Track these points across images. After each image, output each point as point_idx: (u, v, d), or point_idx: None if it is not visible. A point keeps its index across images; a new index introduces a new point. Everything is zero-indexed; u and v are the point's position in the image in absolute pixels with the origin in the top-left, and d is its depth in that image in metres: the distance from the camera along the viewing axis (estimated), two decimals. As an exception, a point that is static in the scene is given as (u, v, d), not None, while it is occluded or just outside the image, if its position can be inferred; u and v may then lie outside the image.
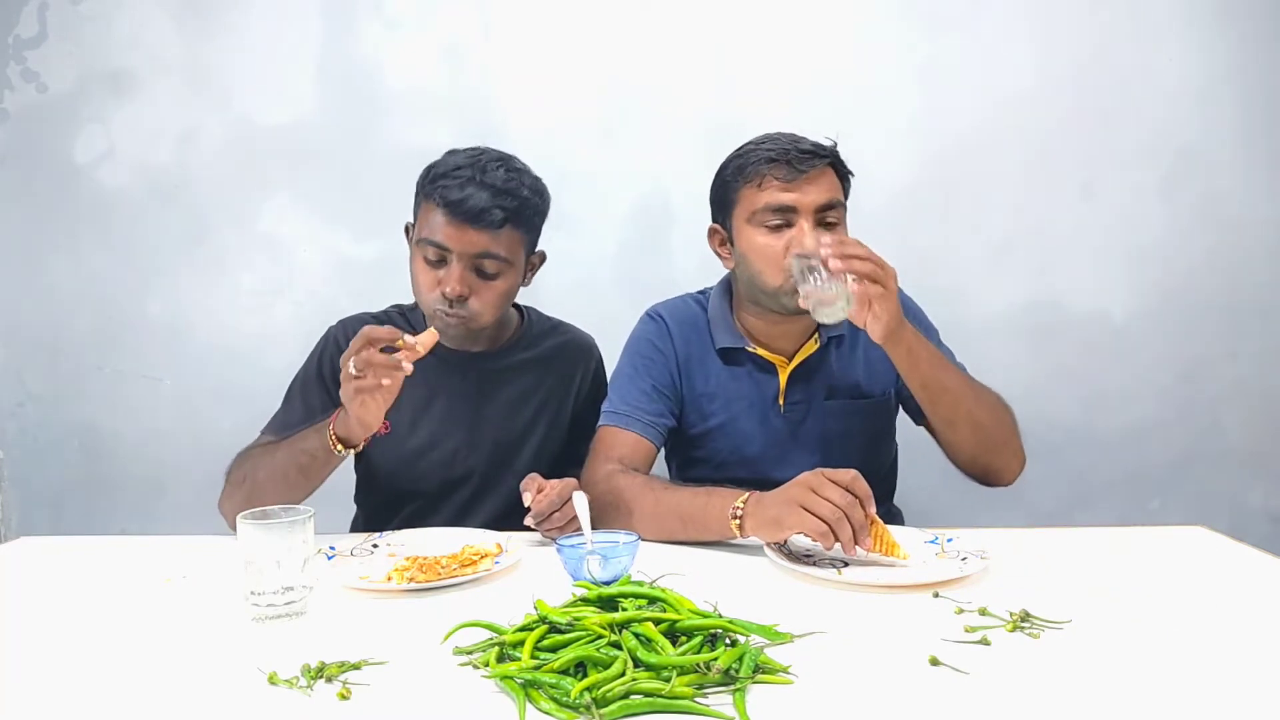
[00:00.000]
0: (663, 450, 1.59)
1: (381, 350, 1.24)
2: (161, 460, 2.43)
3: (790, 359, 1.52)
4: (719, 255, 1.55)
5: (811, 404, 1.53)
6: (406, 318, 1.65)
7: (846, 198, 1.47)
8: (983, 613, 1.00)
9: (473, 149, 1.50)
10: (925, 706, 0.79)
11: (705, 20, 2.38)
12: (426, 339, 1.29)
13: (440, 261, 1.44)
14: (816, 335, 1.52)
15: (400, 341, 1.25)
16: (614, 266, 2.42)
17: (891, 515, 1.57)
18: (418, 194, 1.51)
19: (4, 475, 2.09)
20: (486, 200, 1.41)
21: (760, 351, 1.52)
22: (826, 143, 1.44)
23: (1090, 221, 2.40)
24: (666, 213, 2.41)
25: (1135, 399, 2.44)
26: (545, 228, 2.43)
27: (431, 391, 1.57)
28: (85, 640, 0.99)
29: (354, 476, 1.69)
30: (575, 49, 2.39)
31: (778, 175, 1.40)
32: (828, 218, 1.42)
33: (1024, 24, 2.37)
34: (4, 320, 2.49)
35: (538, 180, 1.54)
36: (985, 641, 0.92)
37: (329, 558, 1.26)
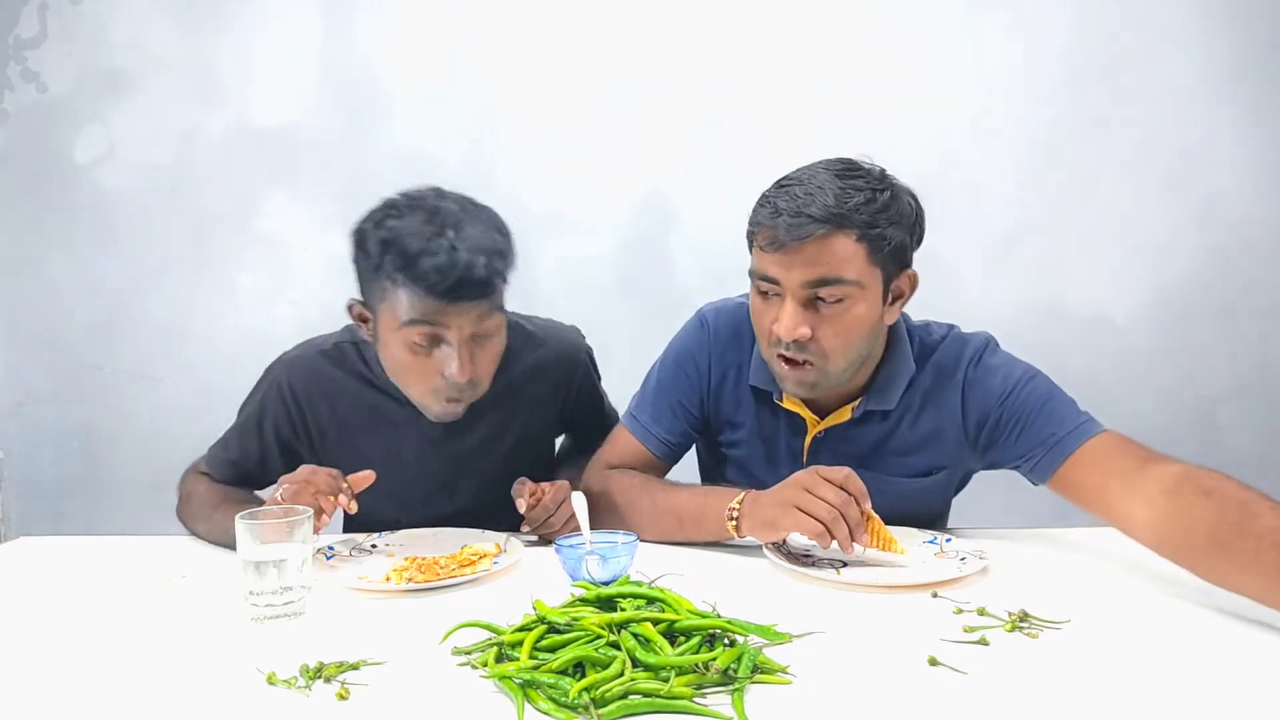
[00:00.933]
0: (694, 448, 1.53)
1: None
2: (161, 460, 2.41)
3: (822, 418, 1.35)
4: None
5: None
6: (360, 351, 1.46)
7: (887, 258, 1.22)
8: (981, 613, 1.00)
9: (414, 202, 1.28)
10: (924, 706, 0.78)
11: (706, 21, 2.38)
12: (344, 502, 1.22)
13: (433, 344, 1.26)
14: (855, 405, 1.33)
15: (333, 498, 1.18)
16: (614, 267, 2.42)
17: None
18: (374, 270, 1.26)
19: (4, 475, 2.09)
20: (481, 270, 1.23)
21: (789, 404, 1.35)
22: (851, 197, 1.18)
23: (1090, 221, 2.40)
24: (666, 213, 2.41)
25: (1135, 399, 2.44)
26: (544, 228, 2.45)
27: (399, 435, 1.45)
28: (85, 640, 0.99)
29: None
30: (575, 49, 2.39)
31: (764, 241, 1.21)
32: (819, 295, 1.19)
33: (1024, 24, 2.37)
34: (4, 320, 2.50)
35: (495, 214, 1.32)
36: (984, 641, 0.92)
37: (328, 558, 1.26)
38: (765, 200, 1.23)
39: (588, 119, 2.40)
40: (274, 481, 1.41)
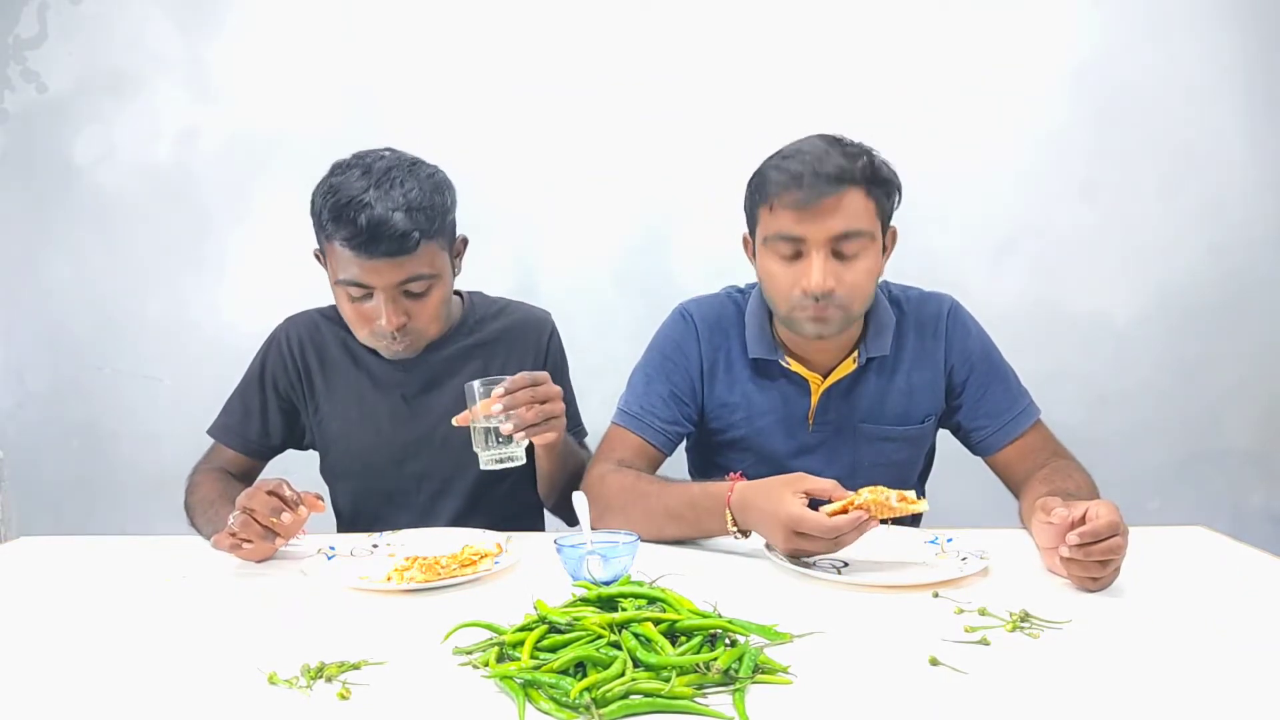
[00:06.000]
0: (683, 443, 1.55)
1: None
2: (161, 460, 2.43)
3: (825, 376, 1.44)
4: (751, 263, 1.45)
5: (843, 426, 1.46)
6: None
7: (886, 213, 1.35)
8: (982, 613, 1.00)
9: (359, 161, 1.38)
10: (925, 706, 0.78)
11: (707, 20, 2.38)
12: (305, 512, 1.24)
13: (365, 296, 1.37)
14: (855, 354, 1.43)
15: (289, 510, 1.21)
16: (614, 266, 2.42)
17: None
18: (316, 228, 1.39)
19: (4, 475, 2.09)
20: (396, 227, 1.30)
21: (794, 366, 1.44)
22: (857, 159, 1.30)
23: (1090, 221, 2.40)
24: (667, 213, 2.41)
25: (1135, 399, 2.44)
26: (546, 228, 2.45)
27: (376, 389, 1.54)
28: (85, 640, 0.99)
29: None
30: (576, 50, 2.39)
31: (788, 202, 1.29)
32: (844, 248, 1.30)
33: (1024, 24, 2.37)
34: (4, 320, 2.49)
35: (435, 173, 1.41)
36: (985, 641, 0.92)
37: (329, 558, 1.26)
38: (774, 168, 1.33)
39: (588, 119, 2.40)
40: (274, 447, 1.59)
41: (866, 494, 1.12)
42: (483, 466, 1.29)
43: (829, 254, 1.30)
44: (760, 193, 1.35)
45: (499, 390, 1.26)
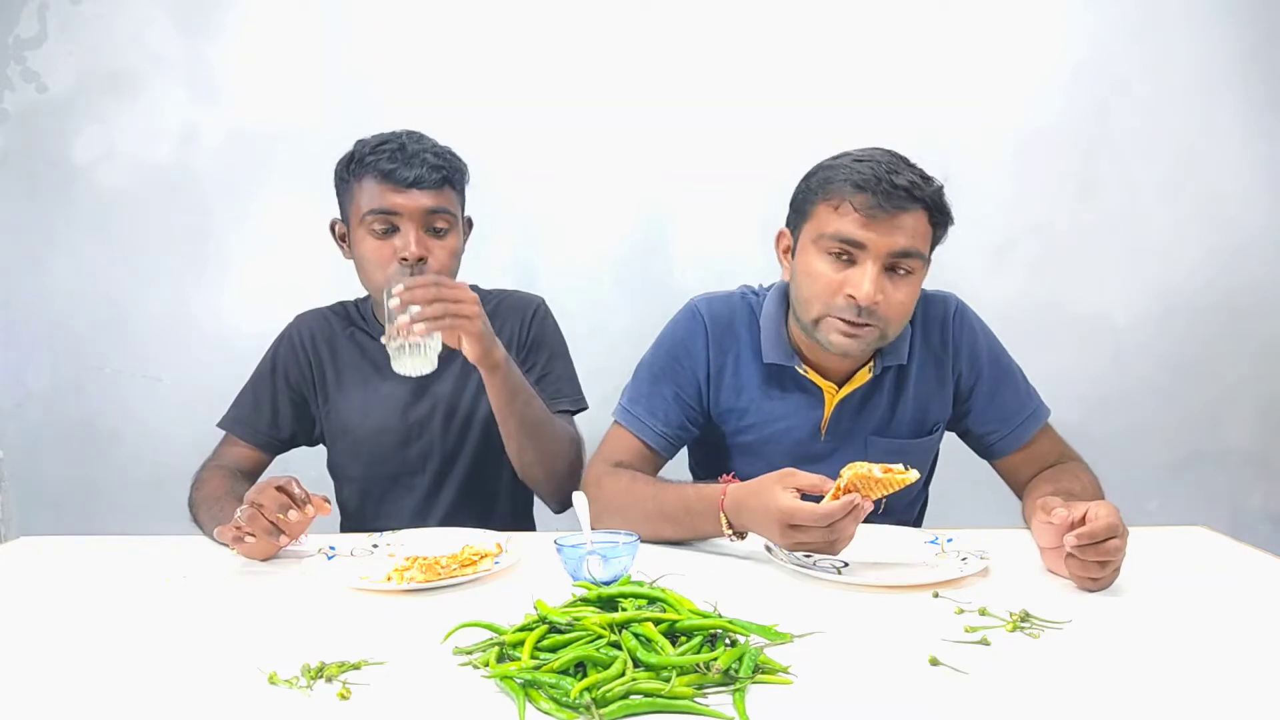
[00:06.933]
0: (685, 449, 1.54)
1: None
2: (161, 460, 2.43)
3: (840, 385, 1.40)
4: (780, 261, 1.41)
5: (855, 437, 1.43)
6: (359, 309, 1.68)
7: (936, 244, 1.32)
8: (983, 613, 1.00)
9: (379, 133, 1.52)
10: (925, 706, 0.78)
11: (707, 21, 2.38)
12: (312, 511, 1.24)
13: (389, 230, 1.46)
14: (871, 364, 1.40)
15: (298, 510, 1.22)
16: (614, 266, 2.42)
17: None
18: (344, 181, 1.51)
19: (4, 475, 2.09)
20: (421, 164, 1.45)
21: (810, 375, 1.40)
22: (930, 180, 1.28)
23: (1090, 221, 2.41)
24: (667, 214, 2.41)
25: (1135, 399, 2.44)
26: (546, 227, 2.45)
27: (381, 375, 1.60)
28: (85, 640, 0.99)
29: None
30: (576, 50, 2.39)
31: (857, 204, 1.24)
32: (900, 265, 1.27)
33: (1023, 23, 2.37)
34: (4, 320, 2.49)
35: (450, 148, 1.56)
36: (985, 641, 0.92)
37: (329, 558, 1.26)
38: (846, 168, 1.27)
39: (589, 119, 2.40)
40: (283, 440, 1.64)
41: (848, 472, 1.10)
42: (394, 368, 1.35)
43: (882, 268, 1.26)
44: (825, 188, 1.29)
45: (400, 287, 1.32)
